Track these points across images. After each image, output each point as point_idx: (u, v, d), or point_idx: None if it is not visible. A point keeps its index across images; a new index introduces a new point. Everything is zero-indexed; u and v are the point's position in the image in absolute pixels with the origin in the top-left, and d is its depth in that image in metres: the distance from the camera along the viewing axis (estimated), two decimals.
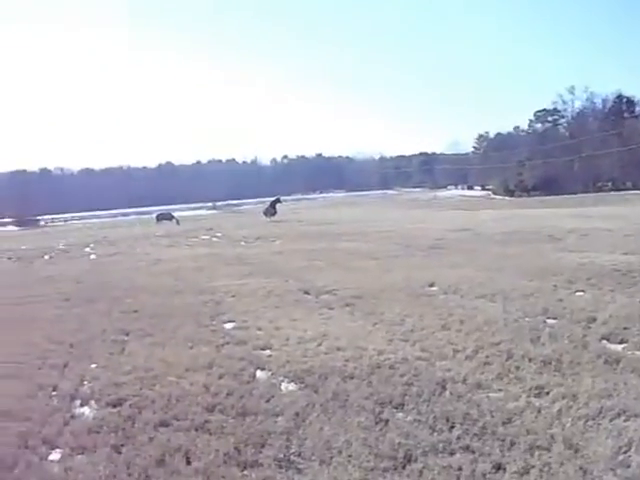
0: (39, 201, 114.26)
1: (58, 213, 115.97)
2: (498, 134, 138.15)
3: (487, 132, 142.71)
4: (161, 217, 63.72)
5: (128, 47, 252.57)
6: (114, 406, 8.22)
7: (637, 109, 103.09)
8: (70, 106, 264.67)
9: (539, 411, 7.10)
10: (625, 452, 6.01)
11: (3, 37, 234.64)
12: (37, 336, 12.53)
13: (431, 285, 15.78)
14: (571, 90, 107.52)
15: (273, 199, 63.96)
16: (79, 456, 6.76)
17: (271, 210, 60.01)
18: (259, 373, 9.31)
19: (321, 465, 6.12)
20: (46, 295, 18.30)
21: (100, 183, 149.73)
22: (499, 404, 7.39)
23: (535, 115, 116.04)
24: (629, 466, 5.77)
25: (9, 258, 34.90)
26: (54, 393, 8.95)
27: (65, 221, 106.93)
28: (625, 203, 57.01)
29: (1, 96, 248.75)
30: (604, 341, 9.94)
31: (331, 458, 6.24)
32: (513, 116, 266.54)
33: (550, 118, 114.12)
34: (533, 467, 5.80)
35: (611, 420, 6.76)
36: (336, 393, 8.06)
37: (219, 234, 43.13)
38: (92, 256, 33.12)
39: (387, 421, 7.07)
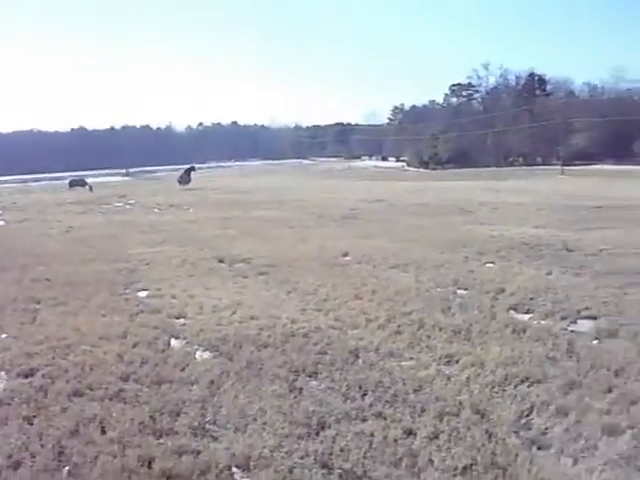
0: None
1: None
2: (413, 106, 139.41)
3: (402, 104, 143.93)
4: (74, 183, 62.24)
5: (38, 10, 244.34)
6: (25, 376, 8.06)
7: (548, 87, 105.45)
8: None
9: (449, 379, 7.36)
10: (527, 416, 6.34)
11: None
12: None
13: (345, 255, 15.97)
14: (486, 66, 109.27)
15: (188, 167, 63.26)
16: None
17: (186, 178, 59.40)
18: (173, 341, 9.31)
19: (236, 433, 6.20)
20: None
21: (9, 146, 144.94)
22: (410, 372, 7.61)
23: (450, 89, 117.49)
24: (530, 428, 6.09)
25: None
26: None
27: None
28: (535, 178, 58.60)
29: None
30: (512, 311, 10.34)
31: (246, 426, 6.32)
32: (429, 89, 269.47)
33: (465, 93, 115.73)
34: (442, 432, 6.02)
35: (516, 386, 7.07)
36: (250, 361, 8.14)
37: (132, 201, 42.44)
38: (0, 222, 32.21)
39: (301, 389, 7.21)
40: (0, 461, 5.86)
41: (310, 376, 7.65)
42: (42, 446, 6.09)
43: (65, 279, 14.19)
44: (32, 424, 6.61)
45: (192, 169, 61.80)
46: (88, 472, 5.66)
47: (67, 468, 5.76)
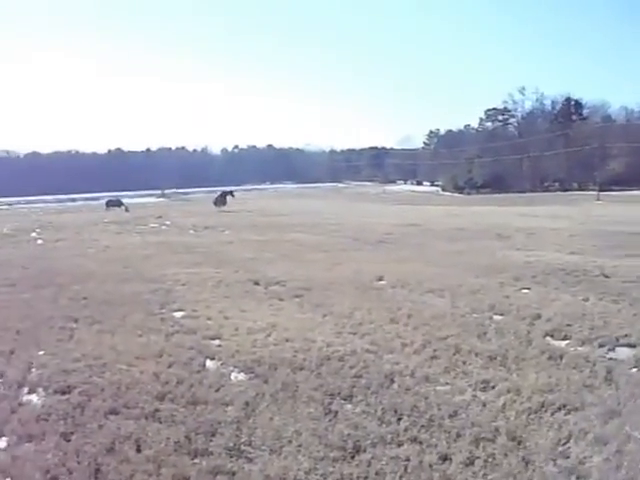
0: None
1: (3, 197, 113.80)
2: (449, 131, 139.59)
3: (438, 129, 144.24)
4: (110, 204, 62.99)
5: (81, 34, 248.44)
6: (63, 393, 8.15)
7: (584, 111, 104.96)
8: (18, 88, 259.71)
9: (484, 405, 7.30)
10: (565, 444, 6.24)
11: None
12: None
13: (380, 279, 15.93)
14: (522, 90, 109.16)
15: (226, 190, 63.34)
16: (27, 444, 6.70)
17: (222, 200, 59.43)
18: (209, 362, 9.34)
19: (271, 454, 6.20)
20: None
21: (48, 167, 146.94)
22: (446, 397, 7.56)
23: (486, 114, 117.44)
24: (568, 457, 5.99)
25: None
26: (0, 380, 8.84)
27: (10, 205, 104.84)
28: (571, 203, 58.10)
29: None
30: (548, 337, 10.22)
31: (281, 448, 6.33)
32: (464, 114, 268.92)
33: (500, 117, 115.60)
34: (478, 458, 5.97)
35: (552, 414, 6.98)
36: (286, 384, 8.14)
37: (168, 222, 42.80)
38: (39, 241, 32.52)
39: (336, 412, 7.19)
40: (38, 476, 5.93)
41: (345, 399, 7.63)
42: (79, 463, 6.14)
43: (101, 298, 14.33)
44: (69, 440, 6.68)
45: (229, 193, 61.76)
46: None
47: None
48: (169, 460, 6.15)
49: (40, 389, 8.44)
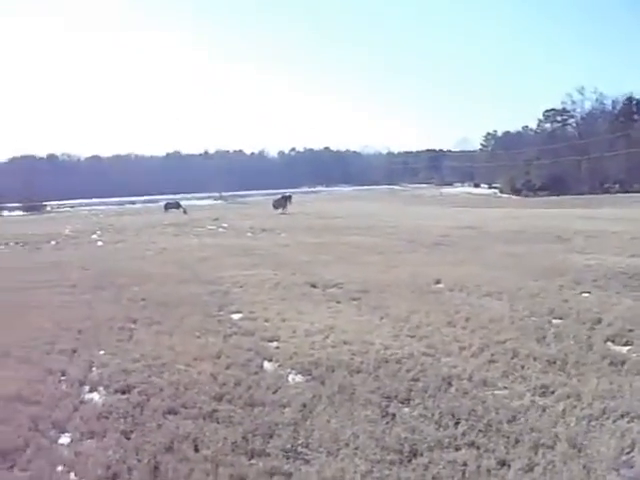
0: (46, 187, 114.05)
1: (65, 199, 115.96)
2: (506, 133, 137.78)
3: (495, 130, 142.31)
4: (169, 206, 63.87)
5: (139, 35, 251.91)
6: (123, 393, 8.33)
7: None
8: (79, 92, 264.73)
9: (544, 410, 7.19)
10: (628, 453, 6.09)
11: (10, 22, 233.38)
12: (46, 322, 12.60)
13: (437, 282, 15.84)
14: (581, 90, 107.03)
15: (286, 195, 63.38)
16: (89, 441, 6.86)
17: (282, 202, 59.53)
18: (266, 364, 9.40)
19: (328, 456, 6.21)
20: (53, 281, 18.35)
21: (108, 170, 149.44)
22: (504, 402, 7.48)
23: (544, 115, 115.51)
24: (632, 466, 5.85)
25: (16, 243, 34.94)
26: (63, 378, 9.07)
27: (72, 207, 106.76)
28: (632, 205, 56.89)
29: (9, 81, 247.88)
30: (609, 342, 10.01)
31: (338, 450, 6.33)
32: (522, 115, 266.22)
33: (559, 118, 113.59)
34: (537, 465, 5.88)
35: (615, 421, 6.83)
36: (343, 386, 8.15)
37: (225, 225, 43.18)
38: (99, 243, 33.18)
39: (393, 415, 7.17)
40: (99, 472, 6.06)
41: (402, 402, 7.60)
42: (138, 460, 6.25)
43: (160, 299, 14.55)
44: (129, 439, 6.80)
45: (289, 198, 61.61)
46: None
47: None
48: (227, 460, 6.21)
49: (101, 388, 8.64)
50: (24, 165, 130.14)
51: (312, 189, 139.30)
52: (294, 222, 42.59)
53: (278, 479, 5.84)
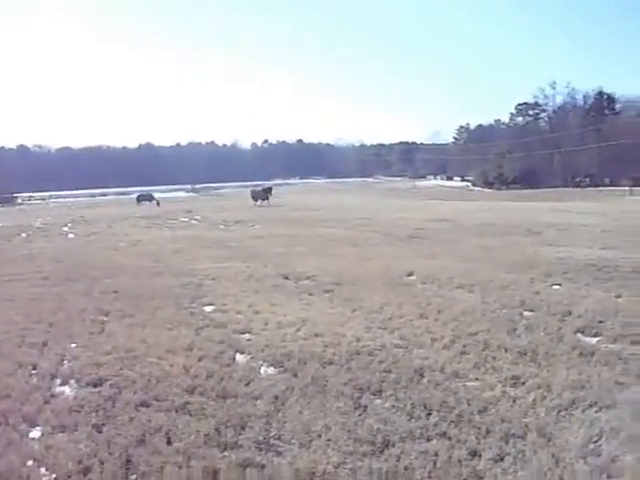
0: (16, 179, 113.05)
1: (36, 191, 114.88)
2: (479, 126, 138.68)
3: (468, 123, 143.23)
4: (141, 198, 63.64)
5: (111, 28, 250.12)
6: (94, 386, 8.27)
7: (617, 106, 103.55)
8: (50, 83, 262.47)
9: (514, 400, 7.25)
10: (596, 442, 6.15)
11: None
12: (16, 314, 12.50)
13: (410, 274, 15.91)
14: (553, 85, 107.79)
15: (267, 187, 62.88)
16: (60, 434, 6.80)
17: (262, 195, 58.91)
18: (238, 356, 9.39)
19: (300, 448, 6.22)
20: (24, 274, 18.17)
21: (79, 162, 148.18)
22: (475, 393, 7.53)
23: (516, 108, 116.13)
24: (599, 455, 5.91)
25: None
26: (34, 371, 8.96)
27: (42, 199, 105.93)
28: (603, 199, 57.58)
29: None
30: (579, 334, 10.11)
31: (310, 441, 6.34)
32: (494, 109, 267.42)
33: (531, 112, 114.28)
34: (508, 454, 5.93)
35: (583, 411, 6.91)
36: (315, 378, 8.16)
37: (198, 217, 43.08)
38: (70, 235, 32.95)
39: (366, 407, 7.19)
40: (70, 466, 6.01)
41: (375, 394, 7.62)
42: (110, 453, 6.22)
43: (132, 292, 14.49)
44: (101, 432, 6.76)
45: (269, 190, 60.89)
46: None
47: (134, 476, 5.86)
48: (199, 452, 6.20)
49: (72, 381, 8.57)
50: None
51: (285, 181, 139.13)
52: (268, 214, 42.58)
53: (251, 471, 5.82)
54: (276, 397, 7.54)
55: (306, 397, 7.53)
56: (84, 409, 7.42)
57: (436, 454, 6.00)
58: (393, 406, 7.22)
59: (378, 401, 7.43)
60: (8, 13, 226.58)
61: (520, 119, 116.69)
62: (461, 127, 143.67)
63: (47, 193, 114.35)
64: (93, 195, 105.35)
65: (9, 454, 6.32)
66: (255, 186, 64.98)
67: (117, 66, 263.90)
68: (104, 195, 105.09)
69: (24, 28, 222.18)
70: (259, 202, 57.04)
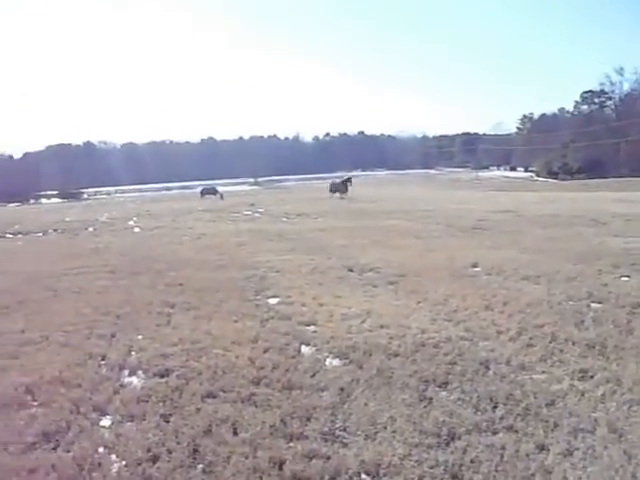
0: (83, 174, 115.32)
1: (101, 186, 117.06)
2: (543, 115, 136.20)
3: (531, 113, 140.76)
4: (205, 192, 63.86)
5: (170, 20, 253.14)
6: (161, 376, 8.42)
7: None
8: (115, 80, 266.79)
9: (583, 394, 7.12)
10: None
11: (52, 12, 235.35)
12: (85, 307, 12.77)
13: (474, 265, 15.75)
14: (620, 71, 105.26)
15: (346, 177, 59.74)
16: (129, 423, 6.95)
17: (341, 187, 55.81)
18: (304, 348, 9.42)
19: (366, 440, 6.22)
20: (92, 267, 18.55)
21: (143, 157, 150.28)
22: (542, 386, 7.42)
23: (581, 96, 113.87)
24: None
25: (55, 230, 35.36)
26: (103, 362, 9.17)
27: (108, 194, 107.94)
28: None
29: (47, 71, 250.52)
30: None
31: (376, 433, 6.34)
32: (558, 97, 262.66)
33: (597, 100, 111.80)
34: (577, 449, 5.84)
35: None
36: (380, 370, 8.15)
37: (261, 210, 43.29)
38: (136, 229, 33.43)
39: (431, 399, 7.16)
40: (139, 454, 6.14)
41: (440, 386, 7.58)
42: (178, 443, 6.34)
43: (197, 284, 14.64)
44: (168, 422, 6.89)
45: (349, 180, 57.99)
46: (221, 470, 5.83)
47: (201, 466, 5.93)
48: (265, 443, 6.25)
49: (140, 372, 8.73)
50: (61, 153, 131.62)
51: (347, 173, 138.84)
52: (330, 207, 42.53)
53: (316, 462, 5.85)
54: (341, 389, 7.55)
55: (371, 389, 7.53)
56: (152, 399, 7.55)
57: (503, 447, 5.94)
58: (459, 398, 7.17)
59: (443, 393, 7.39)
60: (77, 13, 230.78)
61: (585, 107, 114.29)
62: (524, 117, 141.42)
63: (112, 188, 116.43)
64: (157, 190, 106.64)
65: (82, 441, 6.50)
66: (340, 178, 61.52)
67: (179, 61, 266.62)
68: (168, 189, 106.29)
69: (90, 26, 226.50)
70: (337, 195, 54.39)
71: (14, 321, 11.87)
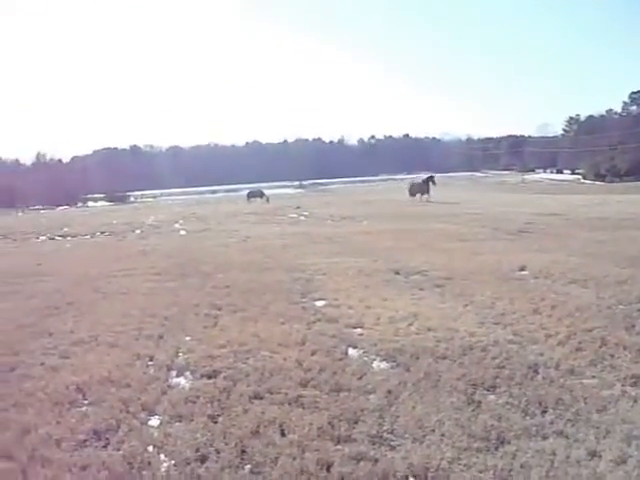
0: (129, 178, 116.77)
1: (147, 189, 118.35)
2: (590, 117, 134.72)
3: (578, 115, 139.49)
4: (251, 195, 64.26)
5: (211, 24, 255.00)
6: (209, 377, 8.44)
7: None
8: (160, 84, 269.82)
9: (635, 400, 6.98)
10: None
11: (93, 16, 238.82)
12: (132, 308, 12.87)
13: (521, 269, 15.57)
14: None
15: (428, 176, 54.19)
16: (177, 423, 6.99)
17: (423, 187, 51.37)
18: (351, 351, 9.39)
19: (414, 443, 6.18)
20: (139, 269, 18.74)
21: (189, 160, 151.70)
22: (593, 391, 7.30)
23: (630, 97, 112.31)
24: None
25: (102, 232, 35.85)
26: (151, 363, 9.22)
27: (154, 197, 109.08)
28: None
29: (94, 77, 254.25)
30: None
31: (424, 436, 6.29)
32: (606, 99, 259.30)
33: None
34: (630, 457, 5.72)
35: None
36: (428, 373, 8.09)
37: (306, 213, 43.41)
38: (182, 232, 33.74)
39: (479, 402, 7.09)
40: (188, 453, 6.18)
41: (488, 390, 7.50)
42: (226, 444, 6.34)
43: (244, 287, 14.68)
44: (216, 422, 6.91)
45: (432, 179, 53.40)
46: (269, 471, 5.84)
47: (249, 466, 5.95)
48: (313, 445, 6.24)
49: (187, 372, 8.77)
50: (108, 157, 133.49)
51: (392, 176, 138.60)
52: (374, 209, 42.49)
53: (364, 465, 5.82)
54: (389, 391, 7.51)
55: (419, 392, 7.47)
56: (199, 400, 7.58)
57: (553, 453, 5.85)
58: (507, 402, 7.08)
59: (492, 397, 7.30)
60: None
61: (634, 108, 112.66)
62: (571, 118, 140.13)
63: (158, 191, 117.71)
64: (202, 193, 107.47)
65: (131, 440, 6.55)
66: (422, 177, 55.59)
67: (227, 64, 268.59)
68: (213, 192, 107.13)
69: (137, 28, 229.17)
70: (418, 197, 49.99)
71: (64, 321, 12.03)
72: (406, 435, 6.35)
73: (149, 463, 6.07)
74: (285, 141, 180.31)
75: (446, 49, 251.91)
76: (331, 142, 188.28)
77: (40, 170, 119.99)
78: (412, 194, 51.66)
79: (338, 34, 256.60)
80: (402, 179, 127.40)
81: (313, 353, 9.23)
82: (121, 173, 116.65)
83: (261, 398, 7.58)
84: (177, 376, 8.68)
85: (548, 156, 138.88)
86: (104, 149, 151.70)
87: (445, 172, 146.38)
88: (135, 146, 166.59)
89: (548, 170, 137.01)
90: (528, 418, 6.64)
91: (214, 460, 6.05)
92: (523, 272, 15.27)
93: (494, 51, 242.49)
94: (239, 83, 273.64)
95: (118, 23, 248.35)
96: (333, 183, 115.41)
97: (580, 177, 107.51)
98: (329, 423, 6.70)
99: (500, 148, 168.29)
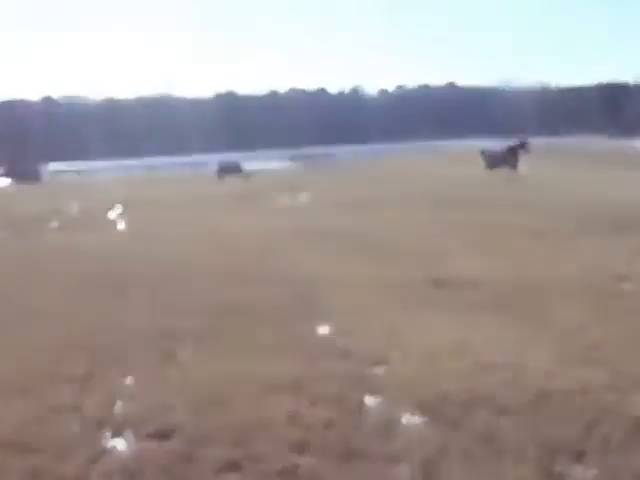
0: (41, 142, 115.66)
1: (68, 161, 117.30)
2: None
3: None
4: (224, 170, 62.92)
5: None
6: (160, 438, 8.43)
7: None
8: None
9: None
10: None
11: None
12: (48, 337, 12.85)
13: (622, 279, 15.60)
14: None
15: (518, 144, 54.01)
16: None
17: (509, 159, 51.56)
18: (369, 399, 9.41)
19: None
20: (55, 279, 18.68)
21: (130, 120, 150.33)
22: None
23: None
24: None
25: None
26: (75, 416, 9.19)
27: (78, 173, 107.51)
28: None
29: None
30: None
31: None
32: None
33: None
34: None
35: None
36: (483, 432, 8.08)
37: (304, 195, 43.28)
38: (120, 225, 33.58)
39: (561, 476, 7.07)
40: None
41: (573, 458, 7.48)
42: None
43: (213, 305, 14.80)
44: None
45: (521, 146, 53.38)
46: None
47: None
48: None
49: (128, 431, 8.82)
50: (8, 112, 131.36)
51: (431, 142, 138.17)
52: (402, 192, 42.27)
53: None
54: (426, 460, 7.48)
55: (470, 460, 7.46)
56: (146, 471, 7.58)
57: None
58: (600, 476, 7.07)
59: (579, 469, 7.30)
60: None
61: None
62: None
63: (84, 164, 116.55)
64: (151, 167, 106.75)
65: None
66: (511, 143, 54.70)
67: None
68: (167, 166, 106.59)
69: None
70: (503, 171, 49.92)
71: None
72: None
73: None
74: (274, 92, 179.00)
75: None
76: (341, 93, 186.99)
77: None
78: (490, 167, 51.51)
79: None
80: (445, 145, 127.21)
81: (314, 402, 9.24)
82: (30, 135, 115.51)
83: (237, 469, 7.55)
84: (113, 436, 8.67)
85: None
86: (3, 102, 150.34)
87: (512, 135, 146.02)
88: (49, 98, 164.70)
89: None
90: None
91: None
92: (625, 284, 15.30)
93: None
94: (207, 18, 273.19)
95: None
96: (342, 152, 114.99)
97: None
98: None
99: (591, 102, 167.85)
